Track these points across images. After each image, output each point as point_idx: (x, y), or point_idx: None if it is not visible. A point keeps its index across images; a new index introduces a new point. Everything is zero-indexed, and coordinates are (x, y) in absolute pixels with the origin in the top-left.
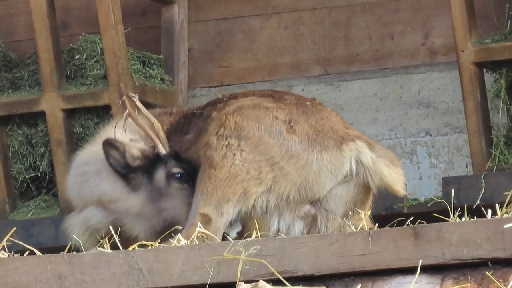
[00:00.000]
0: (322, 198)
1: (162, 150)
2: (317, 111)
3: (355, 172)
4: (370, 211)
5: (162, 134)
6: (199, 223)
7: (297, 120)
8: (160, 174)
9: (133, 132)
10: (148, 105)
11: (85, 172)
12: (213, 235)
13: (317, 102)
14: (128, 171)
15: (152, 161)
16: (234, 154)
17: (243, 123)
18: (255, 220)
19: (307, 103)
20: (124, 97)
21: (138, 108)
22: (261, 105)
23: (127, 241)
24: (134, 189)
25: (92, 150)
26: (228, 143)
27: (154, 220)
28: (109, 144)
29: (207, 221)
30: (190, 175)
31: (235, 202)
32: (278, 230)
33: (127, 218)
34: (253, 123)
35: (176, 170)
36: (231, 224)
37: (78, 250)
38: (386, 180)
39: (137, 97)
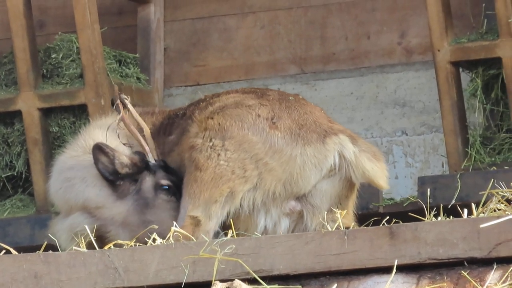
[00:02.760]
0: (307, 193)
1: (152, 159)
2: (300, 106)
3: (338, 166)
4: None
5: (151, 140)
6: (175, 223)
7: (280, 115)
8: (148, 184)
9: (122, 137)
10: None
11: (70, 178)
12: (188, 234)
13: (301, 97)
14: (116, 178)
15: (140, 170)
16: (219, 155)
17: (226, 123)
18: (231, 220)
19: (290, 98)
20: (118, 101)
21: (129, 111)
22: (243, 103)
23: None
24: (120, 197)
25: (75, 155)
26: (213, 144)
27: (139, 231)
28: (99, 149)
29: (196, 223)
30: (178, 187)
31: (223, 202)
32: (265, 228)
33: (112, 225)
34: (236, 123)
35: (164, 182)
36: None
37: (54, 249)
38: (368, 175)
39: (129, 99)
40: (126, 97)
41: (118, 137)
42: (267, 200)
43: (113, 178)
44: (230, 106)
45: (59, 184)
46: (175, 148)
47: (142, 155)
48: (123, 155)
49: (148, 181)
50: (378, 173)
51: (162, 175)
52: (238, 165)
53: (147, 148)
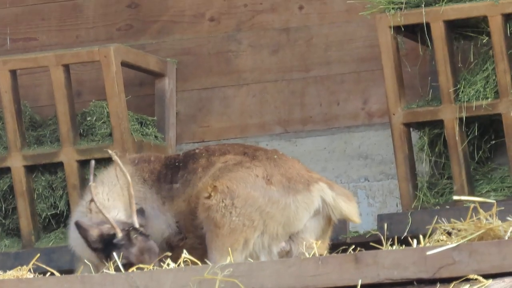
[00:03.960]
0: (300, 231)
1: (119, 234)
2: (283, 162)
3: (322, 208)
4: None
5: (131, 192)
6: (185, 251)
7: (272, 173)
8: (112, 257)
9: (111, 207)
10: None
11: (76, 238)
12: (195, 260)
13: (280, 153)
14: (93, 248)
15: (108, 244)
16: (231, 212)
17: (233, 186)
18: (229, 249)
19: (275, 156)
20: (91, 183)
21: (119, 165)
22: (242, 165)
23: None
24: (101, 262)
25: (82, 211)
26: (224, 204)
27: None
28: (77, 226)
29: None
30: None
31: (241, 249)
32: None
33: None
34: (240, 184)
35: (123, 261)
36: None
37: (88, 271)
38: (345, 213)
39: (118, 154)
40: (115, 151)
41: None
42: (271, 241)
43: (91, 248)
44: (232, 170)
45: (73, 242)
46: (181, 195)
47: (111, 230)
48: (95, 231)
49: (112, 256)
50: (352, 211)
51: (124, 253)
52: (247, 218)
53: (115, 225)
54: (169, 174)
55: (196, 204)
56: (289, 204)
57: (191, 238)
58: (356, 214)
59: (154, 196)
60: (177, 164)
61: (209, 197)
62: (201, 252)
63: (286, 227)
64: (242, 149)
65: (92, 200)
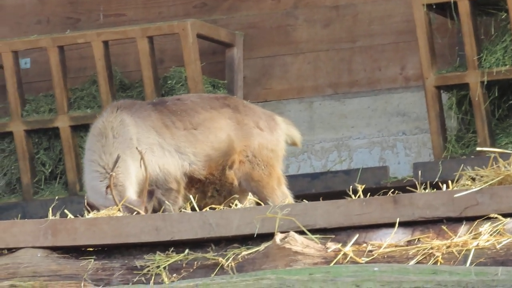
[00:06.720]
0: None
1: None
2: (250, 107)
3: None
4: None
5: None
6: (250, 194)
7: (256, 120)
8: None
9: None
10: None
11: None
12: (260, 202)
13: (236, 98)
14: None
15: None
16: (258, 164)
17: (246, 142)
18: (287, 193)
19: (244, 103)
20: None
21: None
22: (239, 122)
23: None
24: None
25: None
26: (249, 159)
27: None
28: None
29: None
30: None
31: (283, 181)
32: None
33: None
34: (249, 139)
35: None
36: None
37: (169, 211)
38: (295, 139)
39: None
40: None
41: None
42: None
43: None
44: (237, 129)
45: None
46: (204, 141)
47: None
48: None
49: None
50: (299, 137)
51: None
52: (269, 158)
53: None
54: (176, 121)
55: (225, 154)
56: (278, 139)
57: (215, 175)
58: (300, 139)
59: (167, 140)
60: (177, 112)
61: (236, 163)
62: (219, 186)
63: (282, 160)
64: (219, 101)
65: (107, 187)
